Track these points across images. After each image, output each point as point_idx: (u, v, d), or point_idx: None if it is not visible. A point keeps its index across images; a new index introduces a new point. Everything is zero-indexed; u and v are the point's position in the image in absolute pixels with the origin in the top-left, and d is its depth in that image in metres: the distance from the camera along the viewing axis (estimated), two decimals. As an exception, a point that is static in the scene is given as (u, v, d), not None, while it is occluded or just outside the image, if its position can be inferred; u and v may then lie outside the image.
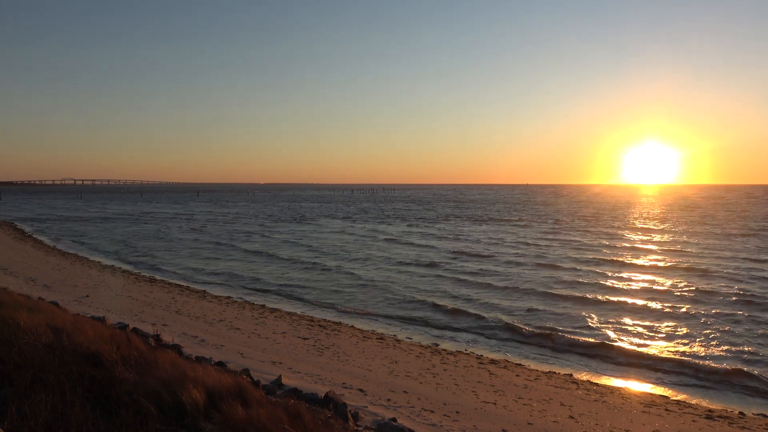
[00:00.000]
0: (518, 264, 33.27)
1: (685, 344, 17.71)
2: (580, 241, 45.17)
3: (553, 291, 25.23)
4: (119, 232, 55.65)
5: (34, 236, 49.31)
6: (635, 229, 56.32)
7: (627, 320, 20.50)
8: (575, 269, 31.24)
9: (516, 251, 39.31)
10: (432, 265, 32.85)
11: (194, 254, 38.60)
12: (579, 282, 27.45)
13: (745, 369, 15.32)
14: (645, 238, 48.24)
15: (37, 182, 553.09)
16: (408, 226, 63.05)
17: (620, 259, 35.16)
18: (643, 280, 28.00)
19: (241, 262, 35.18)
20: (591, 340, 17.99)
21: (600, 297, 23.99)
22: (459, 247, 41.73)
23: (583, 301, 23.38)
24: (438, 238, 48.43)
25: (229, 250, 40.77)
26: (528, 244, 43.96)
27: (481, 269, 31.30)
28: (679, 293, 24.81)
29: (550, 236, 49.79)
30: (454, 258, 35.94)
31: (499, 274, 29.90)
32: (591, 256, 36.07)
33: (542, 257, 36.04)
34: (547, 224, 62.88)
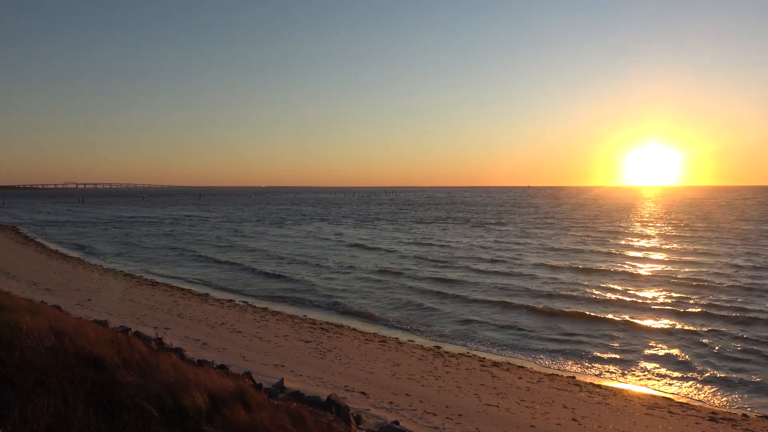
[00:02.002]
0: (478, 271, 31.48)
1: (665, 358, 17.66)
2: (557, 247, 43.09)
3: (505, 300, 23.79)
4: (89, 234, 55.97)
5: (36, 240, 49.39)
6: (620, 233, 54.45)
7: (573, 335, 18.95)
8: (535, 276, 29.67)
9: (482, 256, 37.43)
10: (383, 271, 31.39)
11: (147, 259, 38.04)
12: (539, 290, 26.05)
13: (737, 372, 15.31)
14: (627, 243, 46.28)
15: (39, 186, 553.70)
16: (389, 228, 62.77)
17: (596, 266, 32.88)
18: (610, 289, 26.36)
19: (190, 268, 34.02)
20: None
21: (560, 308, 22.42)
22: (425, 252, 40.37)
23: (539, 313, 21.90)
24: (413, 244, 46.53)
25: (182, 255, 39.98)
26: (502, 249, 41.96)
27: (433, 276, 29.81)
28: (649, 302, 24.14)
29: (527, 240, 48.33)
30: (415, 264, 34.42)
31: (456, 282, 28.37)
32: (567, 264, 33.80)
33: (509, 263, 34.41)
34: (528, 228, 61.87)
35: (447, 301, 24.06)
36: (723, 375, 15.09)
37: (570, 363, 16.34)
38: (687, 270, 31.62)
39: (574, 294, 25.20)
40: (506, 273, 30.81)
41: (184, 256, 39.50)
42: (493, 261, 35.43)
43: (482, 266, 33.18)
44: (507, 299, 24.10)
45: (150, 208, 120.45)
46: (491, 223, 69.55)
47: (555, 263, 34.33)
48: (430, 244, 45.70)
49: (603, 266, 33.24)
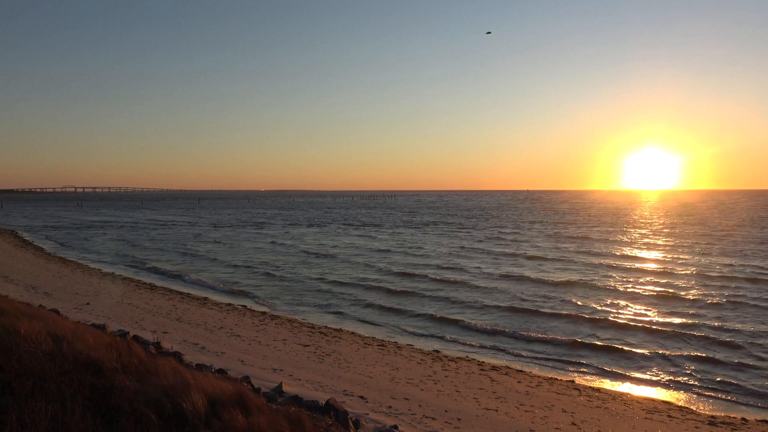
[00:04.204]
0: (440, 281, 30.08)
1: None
2: (537, 255, 40.64)
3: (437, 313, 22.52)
4: (47, 238, 56.06)
5: (35, 244, 49.32)
6: (602, 240, 52.17)
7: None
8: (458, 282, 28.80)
9: (446, 265, 35.57)
10: (336, 282, 29.68)
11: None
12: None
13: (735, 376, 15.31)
14: (610, 249, 44.62)
15: (38, 190, 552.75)
16: (364, 233, 62.40)
17: (542, 275, 31.05)
18: (602, 292, 26.17)
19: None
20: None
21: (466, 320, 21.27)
22: (390, 260, 38.13)
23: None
24: (380, 251, 44.04)
25: (121, 258, 39.68)
26: (459, 255, 40.71)
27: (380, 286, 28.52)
28: (647, 306, 24.19)
29: (504, 248, 46.50)
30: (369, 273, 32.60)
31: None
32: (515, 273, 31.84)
33: (470, 272, 32.57)
34: (497, 231, 61.21)
35: (387, 316, 22.69)
36: (722, 379, 15.09)
37: (569, 367, 16.34)
38: (679, 274, 31.62)
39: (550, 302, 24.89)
40: (466, 283, 29.00)
41: (125, 262, 38.56)
42: (461, 270, 33.42)
43: (446, 275, 31.44)
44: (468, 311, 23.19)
45: (132, 212, 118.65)
46: (467, 228, 68.26)
47: (530, 273, 32.13)
48: (402, 252, 43.48)
49: (590, 271, 32.85)
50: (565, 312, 22.59)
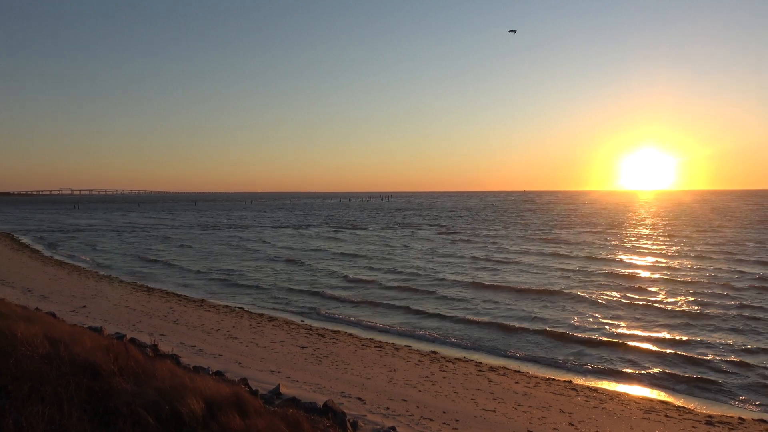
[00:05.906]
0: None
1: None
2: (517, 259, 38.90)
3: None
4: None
5: (31, 246, 49.18)
6: (552, 240, 51.26)
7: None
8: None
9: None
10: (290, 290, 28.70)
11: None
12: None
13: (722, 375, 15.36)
14: (591, 252, 43.04)
15: (35, 192, 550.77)
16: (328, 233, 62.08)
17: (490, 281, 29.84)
18: (595, 294, 26.54)
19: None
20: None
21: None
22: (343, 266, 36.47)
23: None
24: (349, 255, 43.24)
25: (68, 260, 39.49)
26: (431, 260, 39.39)
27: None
28: (644, 307, 24.30)
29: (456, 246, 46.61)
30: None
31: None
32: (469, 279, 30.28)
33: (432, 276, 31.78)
34: (479, 235, 60.47)
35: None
36: (719, 379, 15.13)
37: (566, 368, 16.37)
38: (672, 274, 31.71)
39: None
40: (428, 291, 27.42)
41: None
42: (432, 276, 31.91)
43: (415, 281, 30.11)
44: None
45: (122, 215, 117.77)
46: (449, 230, 67.49)
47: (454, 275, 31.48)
48: (374, 257, 41.97)
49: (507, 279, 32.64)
50: (551, 315, 22.63)
